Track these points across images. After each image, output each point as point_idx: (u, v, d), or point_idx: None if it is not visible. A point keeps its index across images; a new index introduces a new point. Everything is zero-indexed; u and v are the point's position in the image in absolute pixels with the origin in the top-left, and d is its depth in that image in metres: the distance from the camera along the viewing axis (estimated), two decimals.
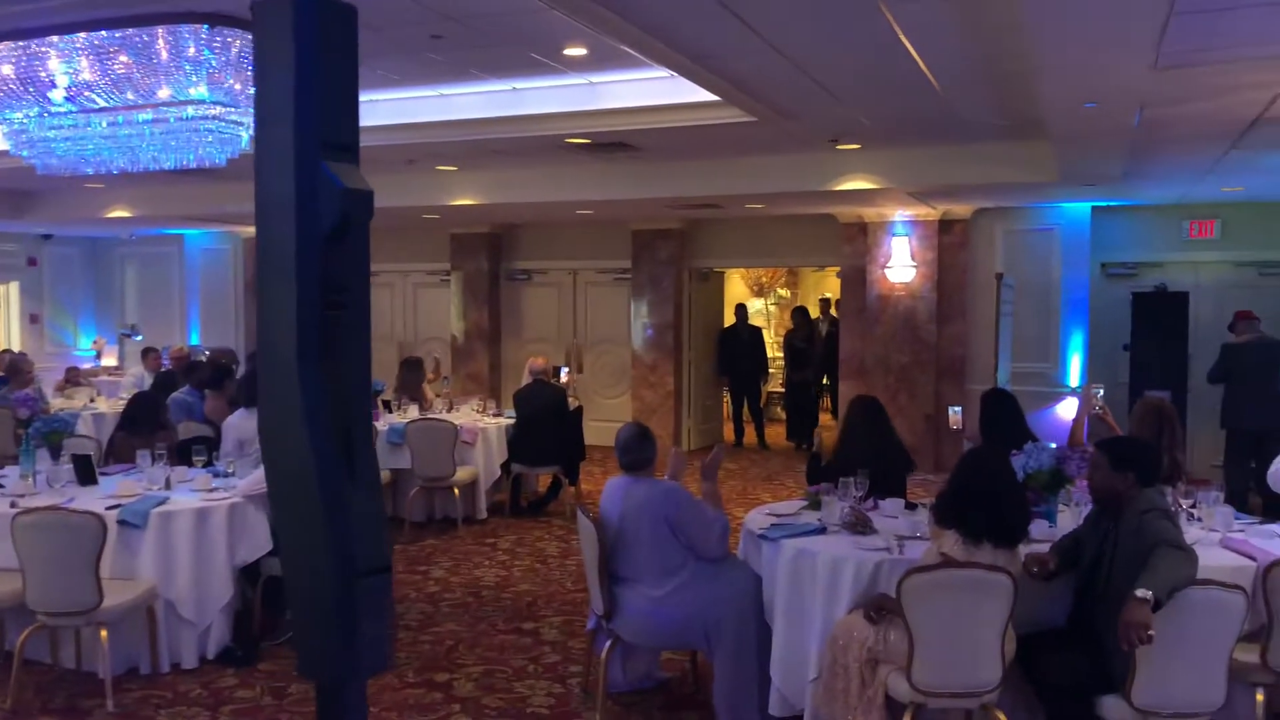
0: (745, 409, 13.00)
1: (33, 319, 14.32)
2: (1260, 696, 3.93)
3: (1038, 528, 4.49)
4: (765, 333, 14.84)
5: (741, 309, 13.20)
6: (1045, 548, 4.21)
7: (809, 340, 12.93)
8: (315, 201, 1.66)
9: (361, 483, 1.74)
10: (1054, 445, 4.88)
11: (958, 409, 6.14)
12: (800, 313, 13.61)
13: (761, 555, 4.57)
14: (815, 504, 4.87)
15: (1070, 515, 4.58)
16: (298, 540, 1.76)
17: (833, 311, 13.86)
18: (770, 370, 13.99)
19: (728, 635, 4.42)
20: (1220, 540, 4.31)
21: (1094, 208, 10.17)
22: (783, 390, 13.96)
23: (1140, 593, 3.34)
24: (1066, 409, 10.15)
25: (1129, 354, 10.01)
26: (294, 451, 1.67)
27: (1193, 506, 4.59)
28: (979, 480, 3.90)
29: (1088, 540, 3.98)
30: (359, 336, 1.76)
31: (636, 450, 4.66)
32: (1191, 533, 4.37)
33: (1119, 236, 10.47)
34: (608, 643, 4.61)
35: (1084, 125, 5.78)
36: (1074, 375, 10.22)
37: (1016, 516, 3.85)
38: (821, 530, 4.55)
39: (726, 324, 13.30)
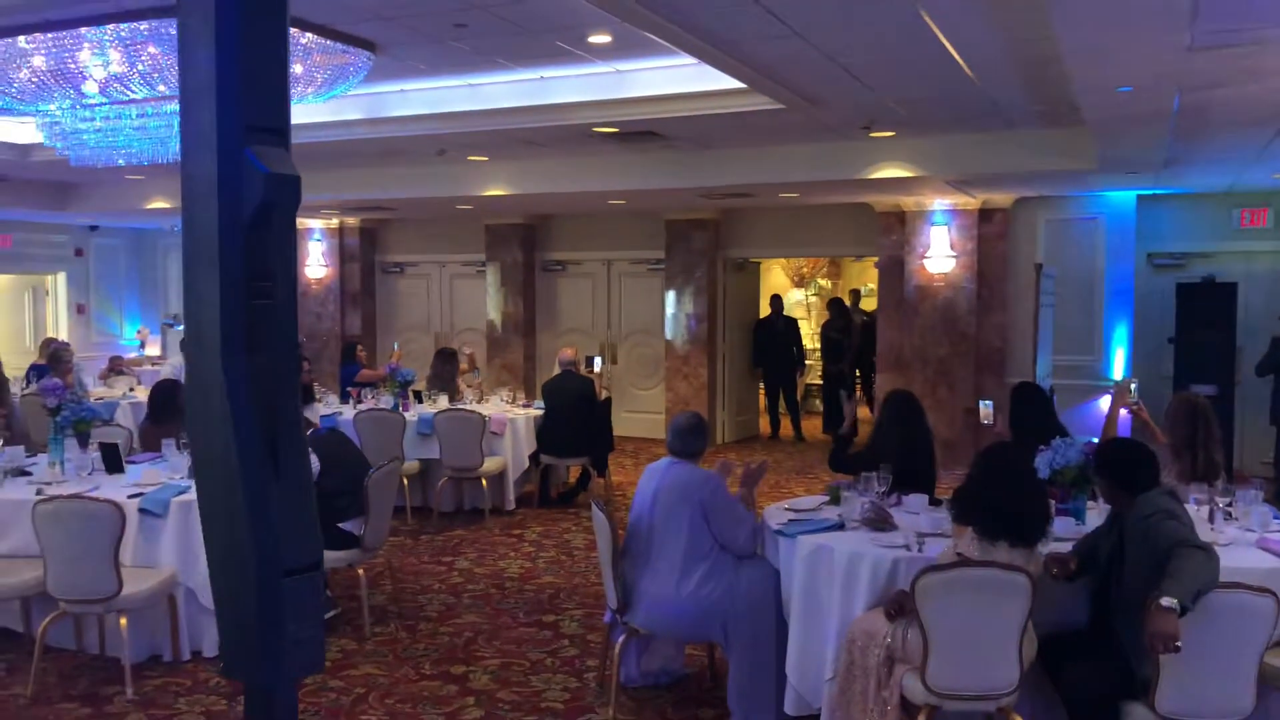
0: (781, 401, 12.84)
1: (79, 309, 14.58)
2: None
3: (1065, 525, 4.37)
4: (804, 324, 14.66)
5: (777, 300, 12.99)
6: (1071, 546, 4.09)
7: (845, 331, 12.74)
8: (238, 186, 1.61)
9: (288, 478, 1.69)
10: (1092, 440, 4.73)
11: (989, 403, 5.97)
12: (836, 304, 13.49)
13: (779, 551, 4.49)
14: (835, 499, 4.77)
15: (1100, 513, 4.43)
16: (221, 538, 1.72)
17: (862, 305, 13.69)
18: (808, 362, 13.82)
19: (744, 630, 4.37)
20: (1256, 540, 4.15)
21: (1139, 196, 9.89)
22: (820, 382, 13.79)
23: (1166, 602, 3.20)
24: (1109, 403, 9.91)
25: (1174, 347, 9.73)
26: (217, 445, 1.63)
27: (1229, 505, 4.42)
28: (997, 476, 3.79)
29: (1104, 542, 3.85)
30: (286, 327, 1.71)
31: (690, 440, 4.67)
32: (1227, 532, 4.22)
33: (1166, 226, 10.17)
34: (621, 636, 4.56)
35: (1121, 110, 5.59)
36: (1118, 368, 9.96)
37: (1035, 515, 3.72)
38: (840, 526, 4.45)
39: (762, 315, 13.15)
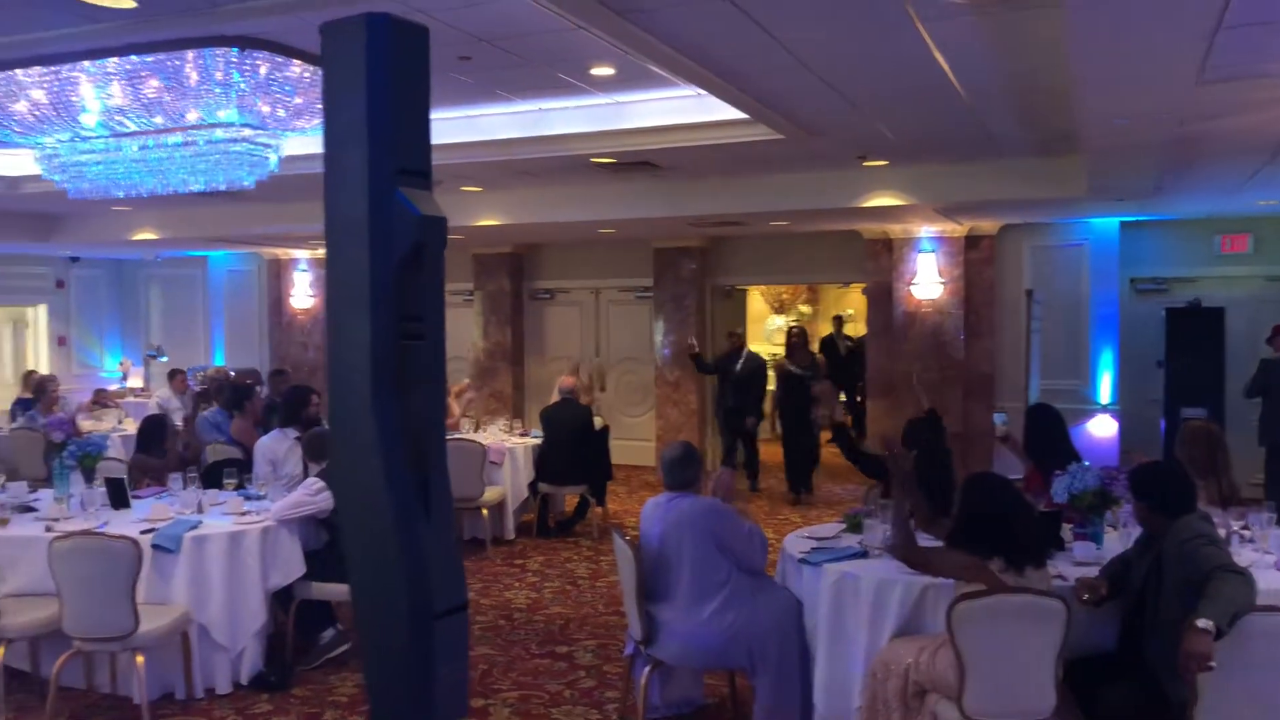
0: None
1: (60, 341, 14.39)
2: None
3: (1085, 550, 4.41)
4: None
5: (735, 337, 11.13)
6: (1092, 571, 4.13)
7: (811, 366, 10.30)
8: (389, 228, 1.61)
9: (437, 518, 1.68)
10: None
11: (1003, 416, 6.03)
12: (797, 335, 10.67)
13: (801, 579, 4.50)
14: (855, 526, 4.80)
15: (1118, 537, 4.49)
16: (370, 580, 1.70)
17: (846, 330, 13.63)
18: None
19: (770, 657, 4.38)
20: (1275, 563, 4.21)
21: (1122, 223, 10.08)
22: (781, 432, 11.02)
23: (1201, 623, 3.25)
24: (1098, 426, 10.05)
25: (1163, 371, 9.89)
26: (367, 487, 1.61)
27: (1245, 528, 4.49)
28: (1004, 505, 3.81)
29: (1136, 566, 3.89)
30: (435, 367, 1.70)
31: (681, 470, 4.64)
32: (1244, 555, 4.28)
33: (1148, 252, 10.36)
34: (646, 668, 4.55)
35: (1120, 140, 5.72)
36: (1105, 392, 10.10)
37: (1046, 534, 3.76)
38: (863, 554, 4.48)
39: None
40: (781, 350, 12.34)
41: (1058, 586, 3.91)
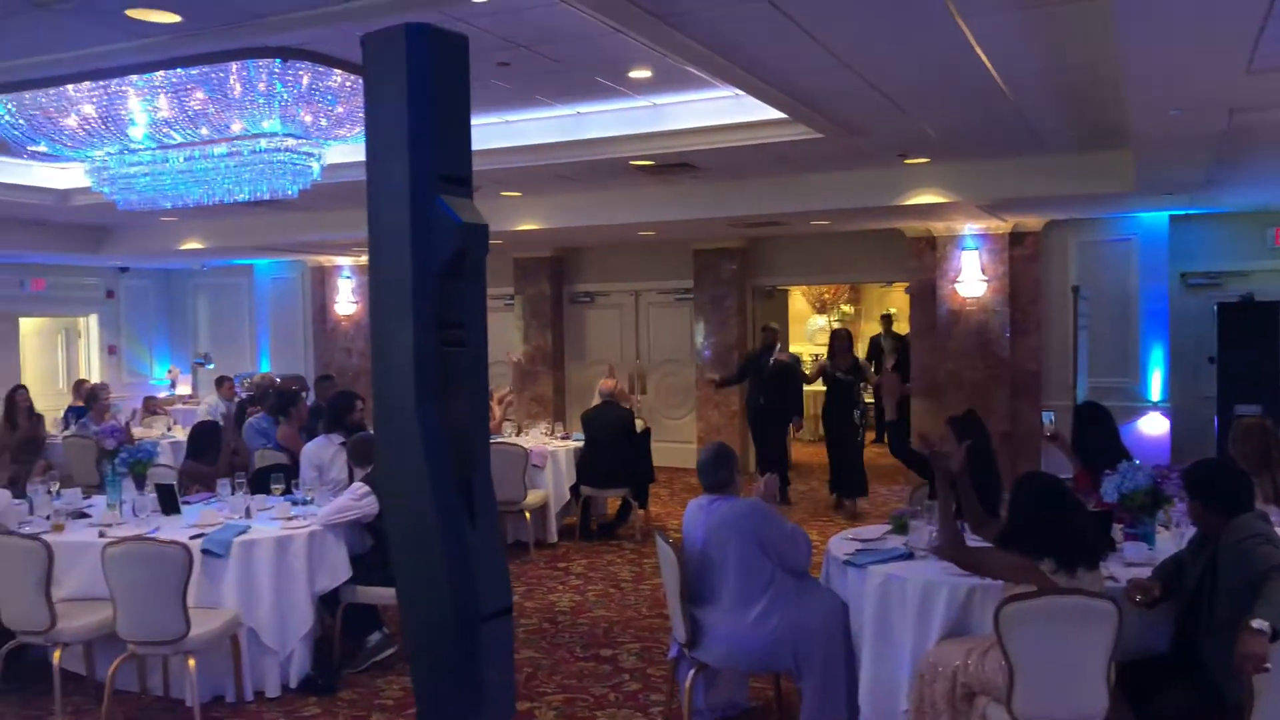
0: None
1: (110, 350, 14.68)
2: None
3: (1136, 550, 4.34)
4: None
5: (768, 332, 10.43)
6: (1145, 571, 4.05)
7: (854, 370, 9.88)
8: (431, 236, 1.62)
9: (481, 522, 1.68)
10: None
11: (1050, 414, 5.95)
12: (841, 338, 10.15)
13: (846, 582, 4.46)
14: (901, 528, 4.75)
15: (1171, 537, 4.40)
16: (417, 583, 1.71)
17: (898, 328, 13.47)
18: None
19: (816, 659, 4.34)
20: None
21: (1172, 217, 9.89)
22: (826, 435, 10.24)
23: (1256, 624, 3.18)
24: (1149, 424, 9.87)
25: (1215, 367, 9.69)
26: (412, 492, 1.62)
27: None
28: (1055, 505, 3.74)
29: (1190, 566, 3.81)
30: (477, 373, 1.71)
31: (715, 470, 4.62)
32: None
33: (1199, 245, 10.15)
34: (691, 671, 4.53)
35: (1169, 132, 5.61)
36: (1155, 389, 9.91)
37: (1100, 534, 3.70)
38: (909, 555, 4.43)
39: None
40: (824, 351, 12.24)
41: (1109, 588, 3.83)
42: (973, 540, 4.43)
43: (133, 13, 4.74)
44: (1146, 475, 4.45)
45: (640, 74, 6.40)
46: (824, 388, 10.08)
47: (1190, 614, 3.71)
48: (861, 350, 13.85)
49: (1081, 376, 9.23)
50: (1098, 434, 5.28)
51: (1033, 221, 10.18)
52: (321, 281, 14.15)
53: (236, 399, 10.64)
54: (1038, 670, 3.52)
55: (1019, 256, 10.34)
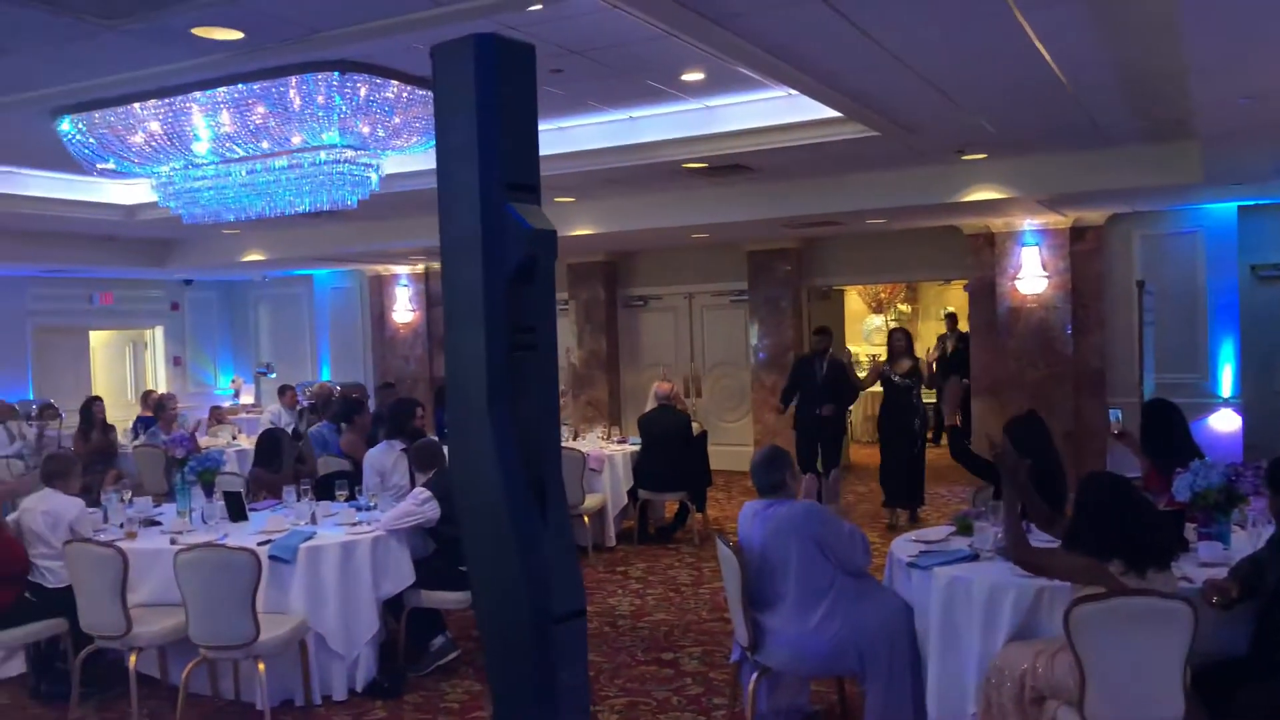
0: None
1: (176, 361, 15.04)
2: None
3: (1210, 550, 4.23)
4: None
5: (821, 333, 9.34)
6: (1220, 572, 3.95)
7: (912, 374, 9.04)
8: (502, 242, 1.65)
9: (554, 524, 1.70)
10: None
11: (1117, 412, 5.81)
12: (899, 338, 9.35)
13: (911, 584, 4.41)
14: (965, 529, 4.68)
15: (1247, 536, 4.28)
16: (490, 586, 1.73)
17: (961, 326, 13.23)
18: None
19: (880, 661, 4.30)
20: None
21: (1240, 207, 9.63)
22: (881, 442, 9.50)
23: None
24: (1220, 420, 9.62)
25: None
26: (486, 494, 1.64)
27: None
28: (1122, 505, 3.65)
29: (1271, 565, 3.70)
30: (547, 377, 1.73)
31: (770, 473, 4.61)
32: None
33: (1270, 237, 9.87)
34: (754, 674, 4.51)
35: (1237, 122, 5.47)
36: (1225, 385, 9.66)
37: (1171, 535, 3.61)
38: (974, 557, 4.37)
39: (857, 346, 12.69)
40: (881, 352, 12.04)
41: (1184, 589, 3.74)
42: (1040, 539, 4.36)
43: (198, 31, 4.85)
44: (1220, 473, 4.33)
45: (693, 76, 6.40)
46: (881, 389, 9.43)
47: (1270, 615, 3.61)
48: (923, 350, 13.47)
49: (1148, 373, 9.02)
50: (1167, 432, 5.14)
51: (1095, 216, 9.99)
52: (379, 290, 14.35)
53: (299, 407, 10.84)
54: (1110, 673, 3.45)
55: (1081, 252, 10.15)
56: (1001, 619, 3.99)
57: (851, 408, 10.27)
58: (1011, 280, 10.28)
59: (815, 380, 8.91)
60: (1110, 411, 6.03)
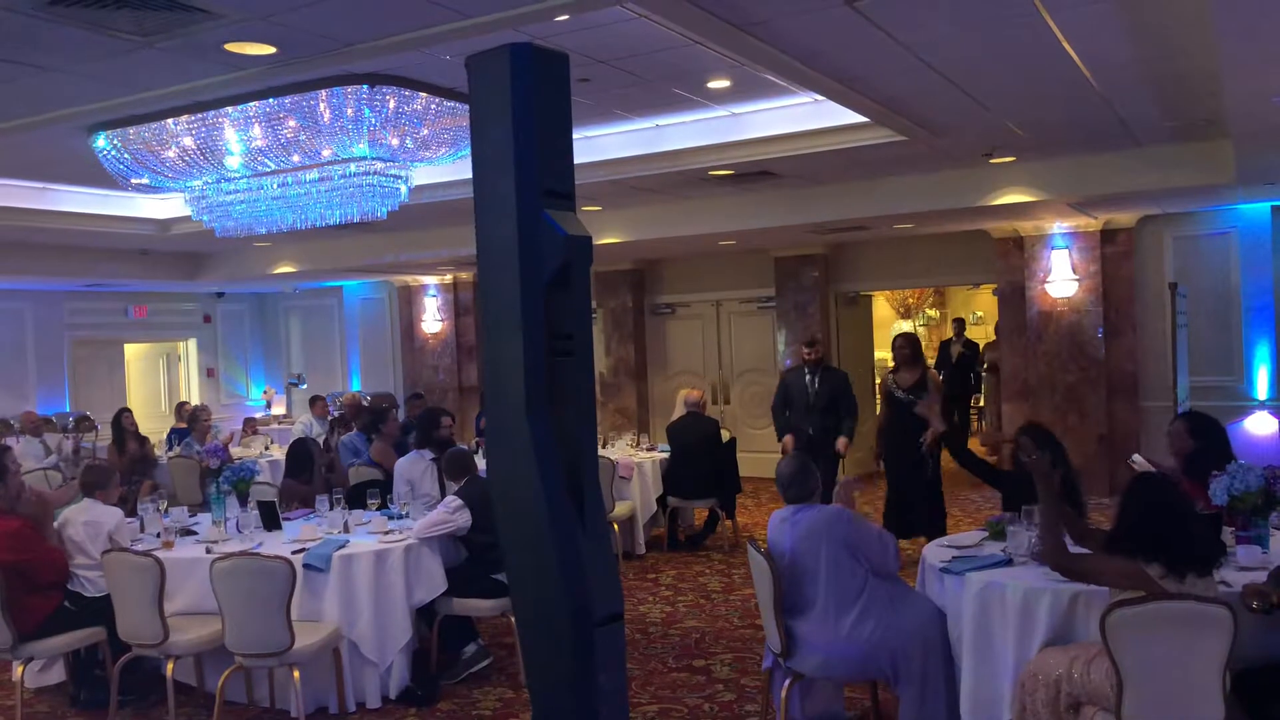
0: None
1: (209, 373, 15.21)
2: None
3: (1249, 554, 4.17)
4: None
5: (812, 344, 8.33)
6: (1260, 576, 3.90)
7: (917, 387, 7.60)
8: (538, 249, 1.66)
9: (592, 527, 1.71)
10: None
11: (1139, 458, 5.73)
12: (903, 346, 7.86)
13: (944, 589, 4.38)
14: (998, 534, 4.65)
15: None
16: (529, 591, 1.74)
17: (968, 335, 13.07)
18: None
19: (914, 666, 4.28)
20: None
21: (1274, 207, 9.51)
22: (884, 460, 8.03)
23: None
24: (1256, 424, 9.49)
25: None
26: (525, 498, 1.66)
27: None
28: (1166, 510, 3.61)
29: None
30: (584, 381, 1.75)
31: (799, 485, 4.61)
32: None
33: None
34: (786, 681, 4.50)
35: (1270, 121, 5.41)
36: (1262, 387, 9.53)
37: (1214, 541, 3.56)
38: (1007, 562, 4.34)
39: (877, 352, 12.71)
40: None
41: (1222, 593, 3.70)
42: (1074, 549, 4.32)
43: (231, 46, 4.93)
44: (1258, 476, 4.28)
45: (719, 84, 6.42)
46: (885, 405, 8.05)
47: None
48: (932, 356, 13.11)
49: (1181, 376, 8.92)
50: (1207, 447, 5.04)
51: (1125, 218, 9.90)
52: (409, 301, 14.45)
53: (330, 418, 10.93)
54: (1148, 679, 3.41)
55: (1111, 254, 10.06)
56: (1036, 624, 3.96)
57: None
58: (1041, 284, 10.21)
59: (807, 395, 8.06)
60: (1133, 457, 5.92)
